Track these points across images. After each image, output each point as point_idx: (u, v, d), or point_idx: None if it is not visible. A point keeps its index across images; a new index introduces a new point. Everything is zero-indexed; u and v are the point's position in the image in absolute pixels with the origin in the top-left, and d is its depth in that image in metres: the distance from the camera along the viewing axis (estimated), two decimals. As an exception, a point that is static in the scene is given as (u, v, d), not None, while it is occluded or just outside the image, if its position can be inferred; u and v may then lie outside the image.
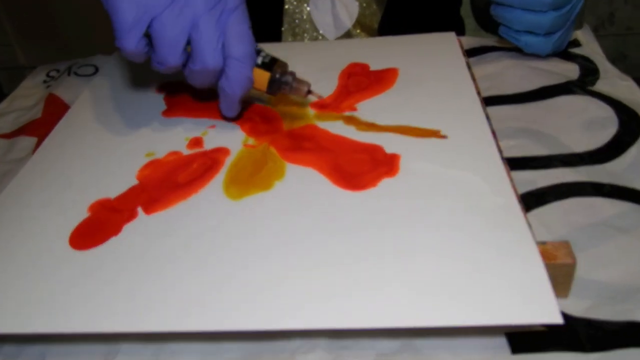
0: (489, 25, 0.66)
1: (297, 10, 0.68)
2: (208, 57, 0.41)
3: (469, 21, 0.79)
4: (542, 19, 0.53)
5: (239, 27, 0.41)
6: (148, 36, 0.40)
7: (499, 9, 0.56)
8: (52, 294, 0.35)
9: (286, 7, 0.68)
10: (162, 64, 0.41)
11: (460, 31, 0.79)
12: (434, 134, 0.44)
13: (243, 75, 0.42)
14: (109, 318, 0.33)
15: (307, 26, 0.68)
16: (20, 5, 1.03)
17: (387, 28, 0.69)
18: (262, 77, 0.44)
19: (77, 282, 0.35)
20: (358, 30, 0.69)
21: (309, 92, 0.45)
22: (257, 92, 0.46)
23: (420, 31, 0.60)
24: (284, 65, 0.45)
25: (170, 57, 0.40)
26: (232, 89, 0.43)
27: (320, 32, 0.68)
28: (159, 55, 0.41)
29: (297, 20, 0.68)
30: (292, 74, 0.45)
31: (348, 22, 0.68)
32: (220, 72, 0.42)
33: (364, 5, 0.68)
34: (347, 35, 0.69)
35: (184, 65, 0.42)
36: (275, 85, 0.45)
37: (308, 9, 0.68)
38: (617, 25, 1.63)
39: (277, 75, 0.44)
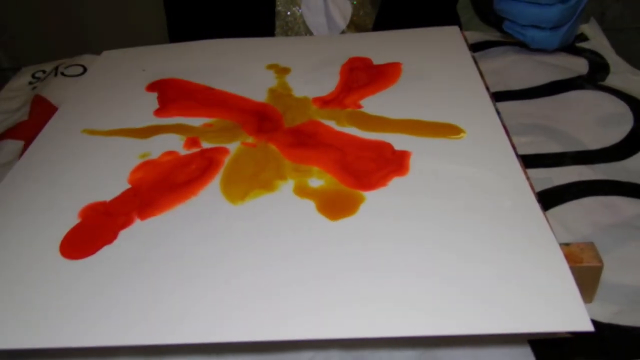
0: (491, 20, 0.64)
1: (288, 12, 0.66)
2: None
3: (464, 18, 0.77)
4: (548, 13, 0.52)
5: None
6: None
7: (503, 3, 0.54)
8: (42, 308, 0.32)
9: (278, 8, 0.66)
10: None
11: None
12: (453, 130, 0.42)
13: None
14: (104, 332, 0.30)
15: (300, 28, 0.66)
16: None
17: (382, 28, 0.67)
18: None
19: (69, 295, 0.32)
20: (352, 31, 0.67)
21: None
22: None
23: None
24: None
25: None
26: None
27: (314, 34, 0.66)
28: None
29: (289, 22, 0.66)
30: None
31: (342, 23, 0.66)
32: None
33: (358, 5, 0.66)
34: None
35: None
36: None
37: (300, 10, 0.66)
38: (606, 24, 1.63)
39: None
